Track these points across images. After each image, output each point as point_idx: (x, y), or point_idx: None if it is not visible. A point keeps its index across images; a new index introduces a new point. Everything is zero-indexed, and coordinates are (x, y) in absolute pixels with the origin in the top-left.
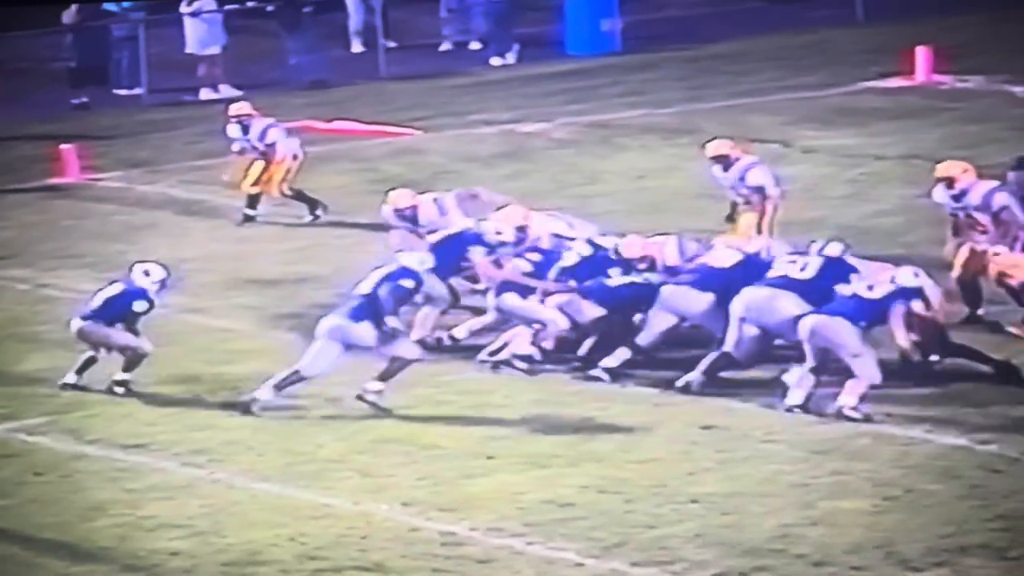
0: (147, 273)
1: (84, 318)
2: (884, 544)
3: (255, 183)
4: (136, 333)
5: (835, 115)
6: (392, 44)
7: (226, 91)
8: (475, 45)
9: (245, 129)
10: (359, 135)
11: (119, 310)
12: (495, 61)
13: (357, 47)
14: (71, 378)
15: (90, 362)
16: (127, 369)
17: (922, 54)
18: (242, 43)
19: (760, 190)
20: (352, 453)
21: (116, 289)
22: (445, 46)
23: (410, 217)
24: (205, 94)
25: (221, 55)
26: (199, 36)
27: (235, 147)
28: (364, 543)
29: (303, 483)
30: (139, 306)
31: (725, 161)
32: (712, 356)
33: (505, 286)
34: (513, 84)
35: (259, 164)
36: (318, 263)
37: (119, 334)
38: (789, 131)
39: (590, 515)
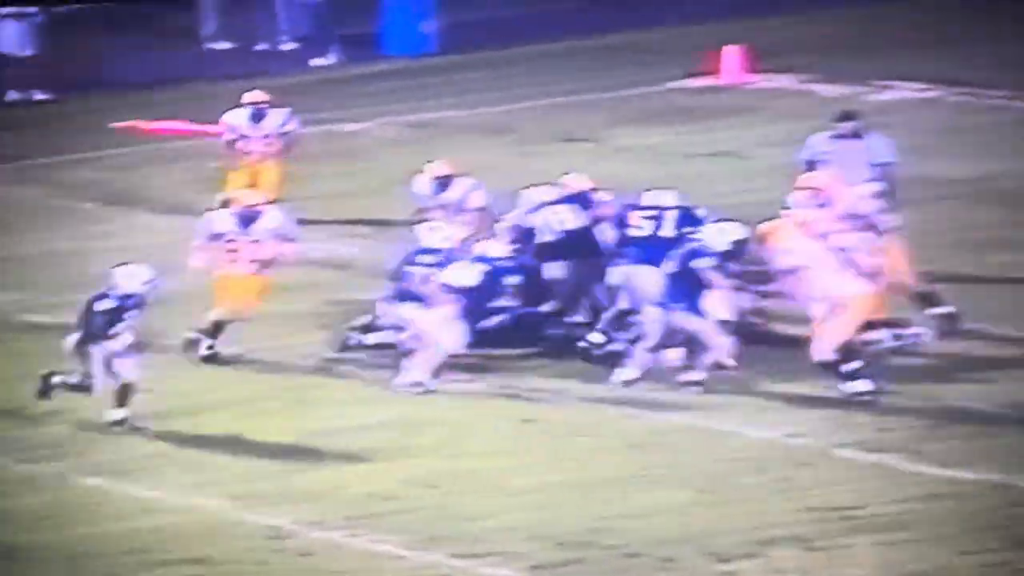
0: (132, 275)
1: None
2: (696, 537)
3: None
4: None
5: (647, 114)
6: (225, 45)
7: (40, 94)
8: (291, 45)
9: (258, 118)
10: (184, 135)
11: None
12: (316, 61)
13: (187, 46)
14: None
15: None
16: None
17: (730, 54)
18: (60, 44)
19: (481, 210)
20: (177, 447)
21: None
22: (265, 46)
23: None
24: (15, 96)
25: (35, 56)
26: (12, 37)
27: (231, 137)
28: (189, 537)
29: (130, 478)
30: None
31: (447, 180)
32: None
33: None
34: (334, 84)
35: (251, 161)
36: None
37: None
38: (602, 130)
39: (411, 508)
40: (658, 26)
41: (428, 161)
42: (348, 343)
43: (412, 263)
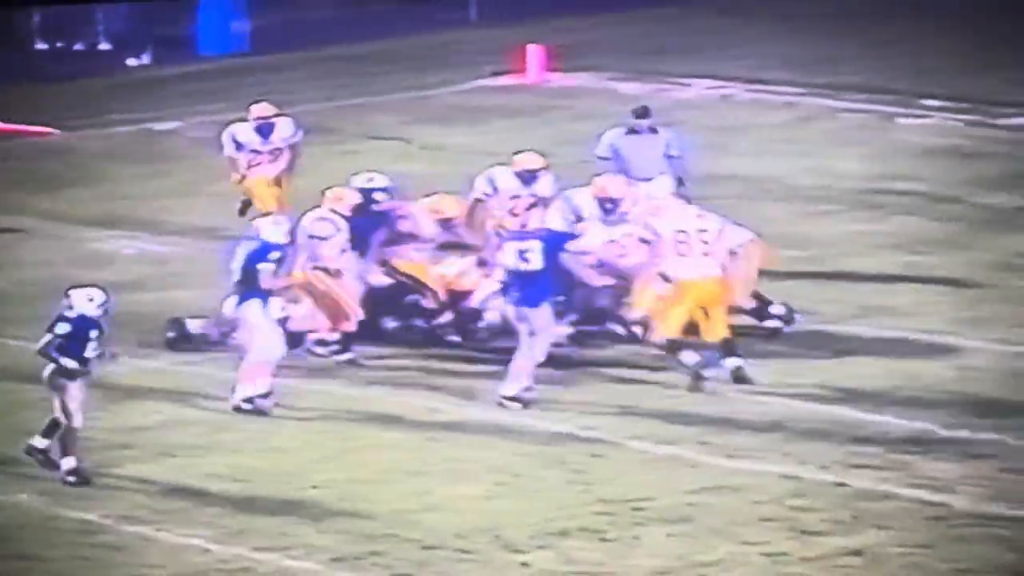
0: (91, 299)
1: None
2: (493, 528)
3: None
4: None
5: (453, 113)
6: (43, 46)
7: None
8: (106, 46)
9: (266, 132)
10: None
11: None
12: (132, 62)
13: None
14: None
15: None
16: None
17: (533, 53)
18: None
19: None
20: None
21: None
22: (81, 47)
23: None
24: None
25: None
26: None
27: (234, 152)
28: (3, 532)
29: None
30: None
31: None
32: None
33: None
34: (148, 84)
35: (264, 174)
36: None
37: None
38: (410, 129)
39: (218, 502)
40: (465, 27)
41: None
42: (175, 340)
43: (260, 260)
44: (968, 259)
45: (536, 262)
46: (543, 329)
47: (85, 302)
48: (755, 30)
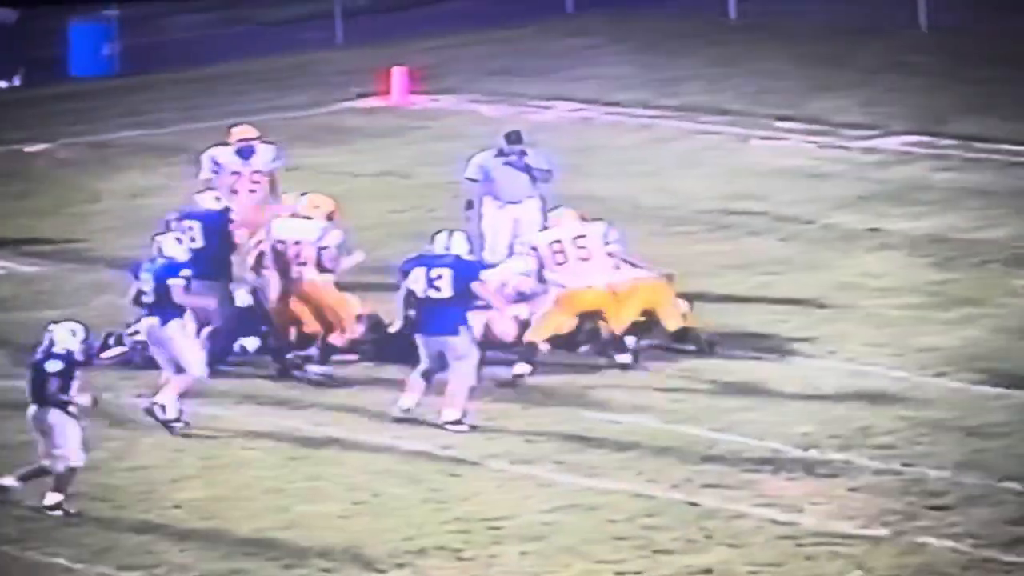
0: (74, 333)
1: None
2: (352, 546)
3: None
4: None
5: (317, 134)
6: None
7: None
8: None
9: (246, 154)
10: None
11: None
12: (2, 84)
13: None
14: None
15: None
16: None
17: (397, 75)
18: None
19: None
20: None
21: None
22: None
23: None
24: None
25: None
26: None
27: (209, 173)
28: None
29: None
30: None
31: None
32: None
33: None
34: (19, 106)
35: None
36: None
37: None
38: None
39: (81, 521)
40: (331, 48)
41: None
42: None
43: (170, 276)
44: (818, 279)
45: (446, 289)
46: (465, 355)
47: (68, 337)
48: (603, 51)
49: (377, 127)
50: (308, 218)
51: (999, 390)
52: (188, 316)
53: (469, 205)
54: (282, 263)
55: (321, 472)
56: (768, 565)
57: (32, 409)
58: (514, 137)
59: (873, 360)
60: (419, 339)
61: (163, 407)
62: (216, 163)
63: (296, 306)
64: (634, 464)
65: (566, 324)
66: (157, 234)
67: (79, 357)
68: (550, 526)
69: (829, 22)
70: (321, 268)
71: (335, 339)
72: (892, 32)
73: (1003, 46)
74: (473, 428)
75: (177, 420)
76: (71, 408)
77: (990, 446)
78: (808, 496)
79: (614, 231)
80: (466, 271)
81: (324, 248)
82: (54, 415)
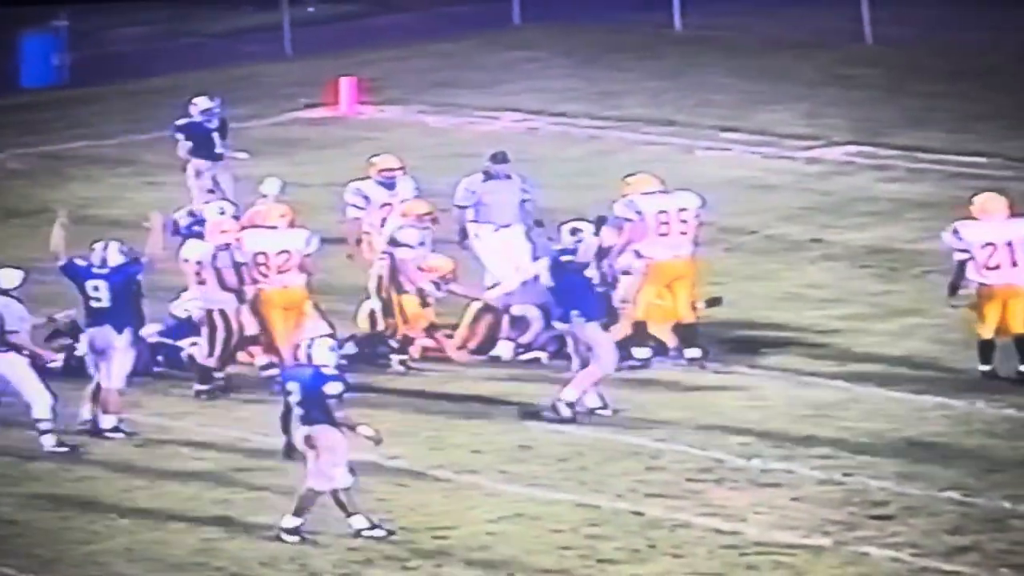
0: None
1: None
2: (298, 556)
3: None
4: None
5: (265, 145)
6: None
7: None
8: None
9: (391, 187)
10: None
11: None
12: None
13: None
14: None
15: None
16: None
17: (344, 86)
18: None
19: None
20: None
21: None
22: None
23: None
24: None
25: None
26: None
27: (358, 213)
28: None
29: None
30: None
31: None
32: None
33: None
34: None
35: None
36: None
37: None
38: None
39: (28, 532)
40: (279, 60)
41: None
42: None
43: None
44: (762, 290)
45: (545, 278)
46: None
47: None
48: (548, 63)
49: (324, 138)
50: (274, 228)
51: (940, 400)
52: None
53: (463, 235)
54: (257, 276)
55: (266, 482)
56: (711, 574)
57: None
58: (500, 157)
59: (815, 370)
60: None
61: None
62: (365, 196)
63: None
64: (578, 474)
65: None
66: (96, 241)
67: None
68: (495, 536)
69: (775, 36)
70: (308, 275)
71: None
72: (837, 46)
73: (946, 60)
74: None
75: (116, 429)
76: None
77: (931, 456)
78: (751, 506)
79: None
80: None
81: (309, 255)
82: None
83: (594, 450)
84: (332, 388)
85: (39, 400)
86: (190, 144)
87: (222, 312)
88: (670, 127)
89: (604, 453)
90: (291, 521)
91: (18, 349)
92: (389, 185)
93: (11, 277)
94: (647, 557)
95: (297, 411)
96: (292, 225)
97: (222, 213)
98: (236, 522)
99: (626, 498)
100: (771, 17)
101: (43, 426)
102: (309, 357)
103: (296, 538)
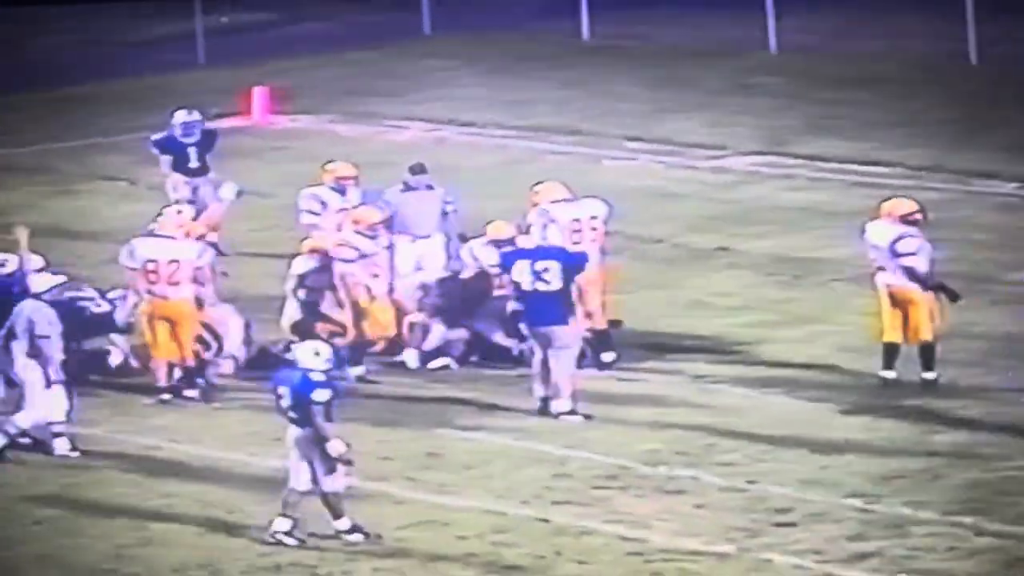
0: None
1: None
2: (207, 563)
3: None
4: None
5: None
6: None
7: None
8: None
9: (343, 192)
10: None
11: None
12: None
13: None
14: None
15: None
16: None
17: (257, 95)
18: None
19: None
20: None
21: None
22: None
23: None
24: None
25: None
26: None
27: (314, 219)
28: None
29: None
30: None
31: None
32: None
33: None
34: None
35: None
36: None
37: None
38: (136, 170)
39: None
40: (193, 68)
41: None
42: None
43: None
44: (668, 298)
45: (555, 282)
46: (566, 345)
47: None
48: (458, 72)
49: (237, 147)
50: (172, 237)
51: (842, 407)
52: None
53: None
54: (148, 283)
55: (175, 489)
56: None
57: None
58: (418, 168)
59: (720, 376)
60: (526, 330)
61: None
62: (321, 201)
63: (161, 325)
64: (484, 481)
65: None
66: None
67: None
68: (403, 543)
69: (682, 44)
70: (198, 286)
71: (211, 355)
72: (742, 54)
73: (850, 68)
74: (587, 417)
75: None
76: None
77: (833, 463)
78: (656, 513)
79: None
80: (572, 263)
81: (200, 268)
82: None
83: (501, 457)
84: (320, 395)
85: (56, 405)
86: (168, 158)
87: None
88: (577, 136)
89: (511, 460)
90: (283, 524)
91: (44, 355)
92: (342, 191)
93: (44, 281)
94: (552, 564)
95: (288, 414)
96: (200, 238)
97: (180, 213)
98: (148, 528)
99: (532, 505)
100: (679, 26)
101: (57, 429)
102: (296, 361)
103: (294, 540)
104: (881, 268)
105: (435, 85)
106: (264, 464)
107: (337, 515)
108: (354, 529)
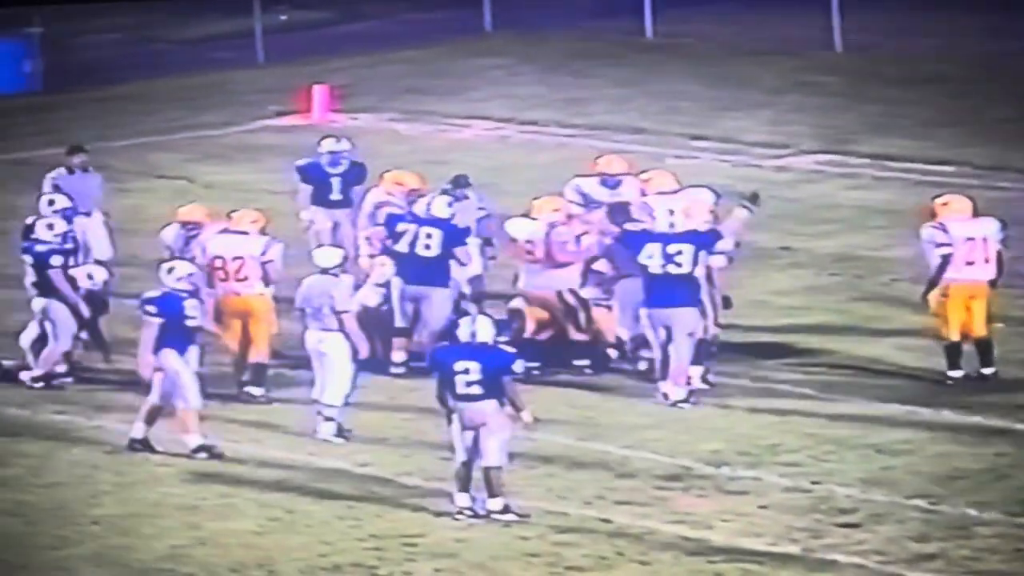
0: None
1: None
2: (265, 563)
3: None
4: None
5: (234, 152)
6: None
7: None
8: None
9: (613, 184)
10: None
11: None
12: None
13: None
14: None
15: None
16: None
17: (317, 93)
18: None
19: None
20: None
21: None
22: None
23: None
24: None
25: None
26: None
27: (579, 210)
28: None
29: None
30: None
31: None
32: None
33: None
34: None
35: None
36: None
37: None
38: (191, 168)
39: None
40: (251, 67)
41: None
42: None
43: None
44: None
45: (686, 265)
46: (691, 330)
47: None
48: (515, 70)
49: (294, 145)
50: (244, 233)
51: (905, 407)
52: None
53: None
54: (216, 280)
55: (233, 490)
56: None
57: None
58: (463, 181)
59: (782, 378)
60: (647, 314)
61: None
62: (582, 193)
63: (231, 322)
64: (546, 481)
65: None
66: None
67: None
68: (463, 543)
69: (743, 43)
70: (266, 282)
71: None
72: (806, 53)
73: (909, 67)
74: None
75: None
76: None
77: (896, 463)
78: (718, 513)
79: None
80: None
81: (268, 262)
82: None
83: (562, 457)
84: (519, 366)
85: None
86: (309, 188)
87: None
88: (639, 135)
89: (572, 460)
90: (463, 499)
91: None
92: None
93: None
94: (614, 564)
95: (473, 389)
96: (264, 232)
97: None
98: (203, 528)
99: (593, 505)
100: (740, 24)
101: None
102: (474, 335)
103: (510, 516)
104: (970, 263)
105: (494, 83)
106: (323, 464)
107: (493, 493)
108: (506, 510)
